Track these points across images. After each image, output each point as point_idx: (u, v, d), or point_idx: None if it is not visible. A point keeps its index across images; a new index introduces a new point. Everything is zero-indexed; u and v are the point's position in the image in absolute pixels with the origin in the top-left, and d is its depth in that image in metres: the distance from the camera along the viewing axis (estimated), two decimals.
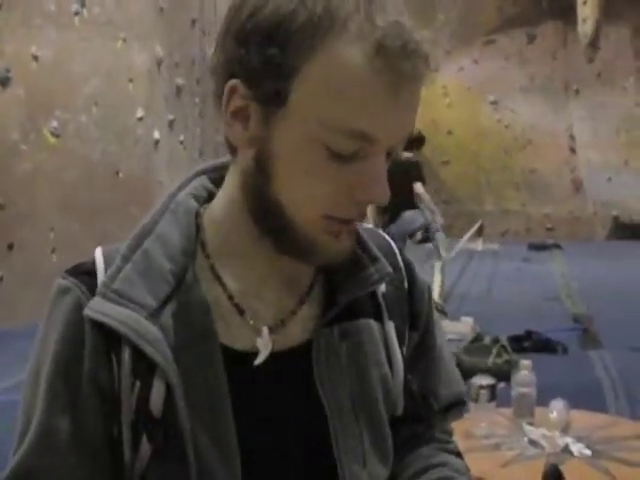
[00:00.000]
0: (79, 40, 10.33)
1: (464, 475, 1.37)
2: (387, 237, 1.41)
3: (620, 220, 18.05)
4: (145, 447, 1.16)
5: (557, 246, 16.41)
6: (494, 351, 6.35)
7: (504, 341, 6.66)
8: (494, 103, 18.62)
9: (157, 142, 12.09)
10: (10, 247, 9.18)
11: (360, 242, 1.29)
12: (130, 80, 11.45)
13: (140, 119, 11.71)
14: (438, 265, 9.26)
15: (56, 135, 9.94)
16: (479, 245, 12.98)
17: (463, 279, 11.74)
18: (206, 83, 13.70)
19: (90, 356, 1.16)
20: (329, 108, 1.07)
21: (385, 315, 1.32)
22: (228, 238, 1.23)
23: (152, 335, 1.14)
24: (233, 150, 1.19)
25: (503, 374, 5.48)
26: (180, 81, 12.94)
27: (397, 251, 1.39)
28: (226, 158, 1.25)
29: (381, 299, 1.32)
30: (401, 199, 9.59)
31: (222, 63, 1.14)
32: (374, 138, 1.09)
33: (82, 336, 1.16)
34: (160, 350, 1.14)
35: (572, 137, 18.46)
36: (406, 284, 1.37)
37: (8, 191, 9.12)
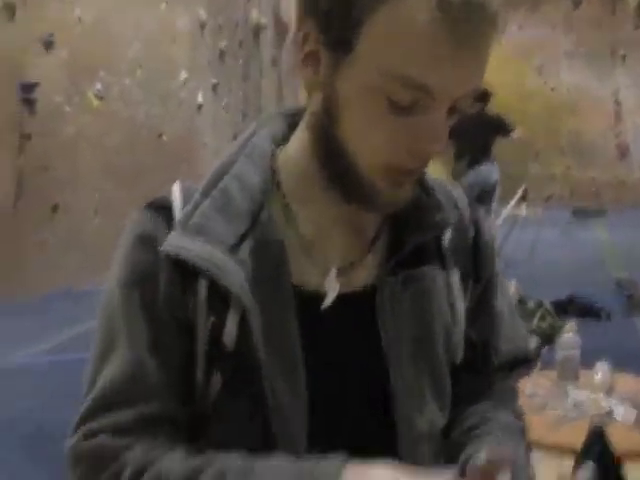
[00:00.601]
0: (122, 2, 10.33)
1: (510, 432, 1.35)
2: (455, 188, 1.41)
3: None
4: (216, 379, 1.19)
5: (602, 212, 16.26)
6: (538, 314, 6.32)
7: (548, 305, 6.62)
8: (539, 68, 18.42)
9: (200, 106, 12.09)
10: (54, 209, 9.25)
11: (426, 190, 1.31)
12: (173, 43, 11.44)
13: (184, 82, 11.72)
14: None
15: (100, 97, 9.98)
16: (523, 210, 12.86)
17: (507, 243, 11.67)
18: (249, 47, 13.67)
19: (166, 286, 1.19)
20: (391, 57, 1.08)
21: (449, 263, 1.33)
22: (300, 181, 1.26)
23: (229, 268, 1.17)
24: (309, 94, 1.21)
25: (546, 338, 5.44)
26: (223, 44, 12.91)
27: (465, 202, 1.39)
28: (304, 103, 1.27)
29: (446, 248, 1.33)
30: (478, 150, 9.78)
31: (300, 10, 1.17)
32: (433, 91, 1.09)
33: (156, 262, 1.20)
34: (238, 281, 1.17)
35: (618, 102, 18.23)
36: (472, 235, 1.37)
37: (52, 154, 9.18)
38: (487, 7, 1.06)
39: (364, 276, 1.28)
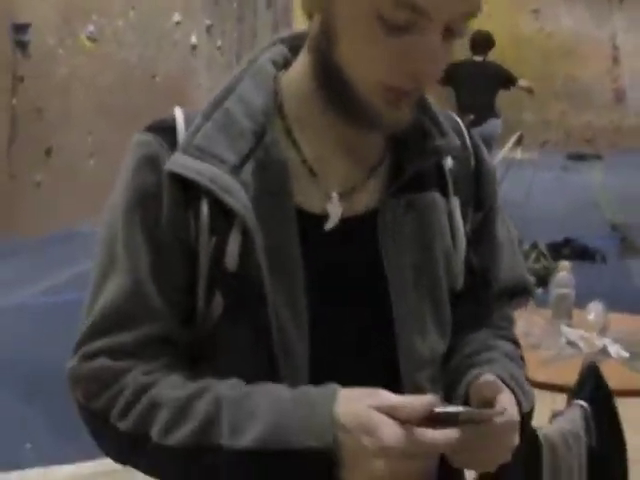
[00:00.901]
0: None
1: (512, 359, 1.37)
2: (456, 117, 1.41)
3: None
4: (218, 301, 1.20)
5: (597, 156, 16.24)
6: (532, 256, 6.34)
7: (542, 247, 6.64)
8: (535, 12, 18.24)
9: (194, 47, 12.00)
10: (48, 152, 9.21)
11: (430, 115, 1.31)
12: None
13: (177, 24, 11.61)
14: None
15: (93, 39, 9.89)
16: (518, 154, 12.86)
17: (502, 186, 11.67)
18: None
19: (168, 207, 1.20)
20: None
21: (450, 190, 1.33)
22: (301, 104, 1.26)
23: (232, 188, 1.18)
24: (309, 17, 1.22)
25: (541, 280, 5.45)
26: None
27: (466, 131, 1.39)
28: (305, 27, 1.27)
29: (447, 174, 1.33)
30: (484, 107, 9.69)
31: None
32: (425, 10, 1.09)
33: (159, 183, 1.20)
34: (240, 201, 1.18)
35: (615, 47, 18.10)
36: (473, 163, 1.38)
37: (45, 96, 9.12)
38: None
39: (366, 200, 1.28)
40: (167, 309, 1.21)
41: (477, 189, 1.38)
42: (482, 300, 1.42)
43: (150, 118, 1.31)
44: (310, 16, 1.20)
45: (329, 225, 1.25)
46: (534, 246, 6.57)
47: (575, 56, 18.05)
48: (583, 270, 5.87)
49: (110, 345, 1.20)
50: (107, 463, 3.63)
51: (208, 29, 12.52)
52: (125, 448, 1.20)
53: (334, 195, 1.26)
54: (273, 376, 1.19)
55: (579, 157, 16.18)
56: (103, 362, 1.19)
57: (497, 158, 10.88)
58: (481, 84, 9.40)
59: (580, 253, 7.50)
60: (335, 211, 1.25)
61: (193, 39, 12.00)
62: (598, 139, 17.79)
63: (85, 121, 9.68)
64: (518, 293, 1.46)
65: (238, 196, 1.18)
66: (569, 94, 18.03)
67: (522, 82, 10.28)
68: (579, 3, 18.05)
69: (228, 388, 1.16)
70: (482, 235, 1.40)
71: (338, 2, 1.14)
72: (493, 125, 9.82)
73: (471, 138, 1.39)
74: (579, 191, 12.10)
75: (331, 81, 1.18)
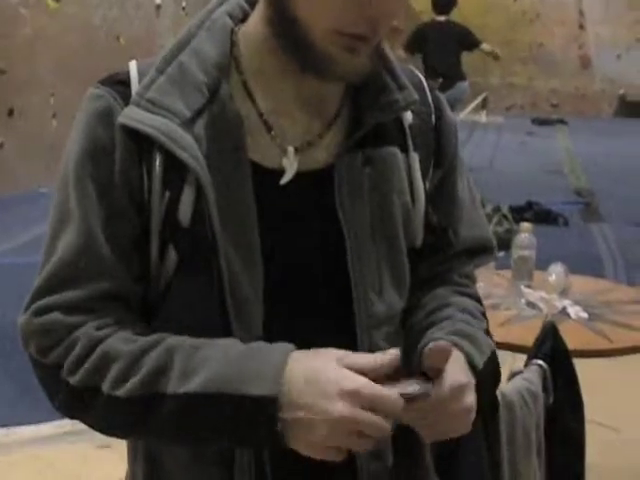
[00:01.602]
0: None
1: (472, 314, 1.37)
2: (418, 72, 1.40)
3: (627, 98, 17.81)
4: (171, 256, 1.20)
5: (562, 121, 16.32)
6: (495, 219, 6.35)
7: (505, 210, 6.65)
8: None
9: (159, 7, 11.88)
10: (10, 113, 9.12)
11: (389, 69, 1.29)
12: None
13: None
14: None
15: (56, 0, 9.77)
16: (483, 117, 12.88)
17: (466, 149, 11.69)
18: None
19: (121, 161, 1.19)
20: None
21: (410, 145, 1.32)
22: (259, 57, 1.25)
23: (185, 141, 1.17)
24: None
25: (503, 243, 5.43)
26: None
27: (427, 87, 1.38)
28: None
29: (407, 129, 1.32)
30: (450, 69, 9.70)
31: None
32: None
33: (112, 137, 1.19)
34: (193, 155, 1.17)
35: (581, 12, 18.11)
36: (433, 119, 1.36)
37: (8, 56, 9.02)
38: None
39: (324, 155, 1.27)
40: (119, 264, 1.20)
41: (438, 145, 1.37)
42: (442, 258, 1.41)
43: None
44: None
45: (284, 180, 1.24)
46: (497, 209, 6.58)
47: (541, 22, 18.06)
48: (546, 233, 5.91)
49: (62, 301, 1.19)
50: (68, 424, 3.62)
51: None
52: (75, 402, 1.19)
53: (290, 149, 1.24)
54: (225, 332, 1.19)
55: (544, 122, 16.25)
56: (55, 317, 1.19)
57: (459, 119, 10.93)
58: (445, 46, 9.38)
59: (543, 217, 7.54)
60: (291, 165, 1.24)
61: None
62: (563, 105, 17.85)
63: (48, 82, 9.59)
64: (479, 251, 1.46)
65: (190, 150, 1.17)
66: (535, 60, 18.07)
67: (486, 46, 10.26)
68: None
69: (180, 341, 1.16)
70: (442, 192, 1.39)
71: None
72: (460, 88, 9.83)
73: (432, 93, 1.38)
74: (543, 156, 12.15)
75: (286, 29, 1.17)
